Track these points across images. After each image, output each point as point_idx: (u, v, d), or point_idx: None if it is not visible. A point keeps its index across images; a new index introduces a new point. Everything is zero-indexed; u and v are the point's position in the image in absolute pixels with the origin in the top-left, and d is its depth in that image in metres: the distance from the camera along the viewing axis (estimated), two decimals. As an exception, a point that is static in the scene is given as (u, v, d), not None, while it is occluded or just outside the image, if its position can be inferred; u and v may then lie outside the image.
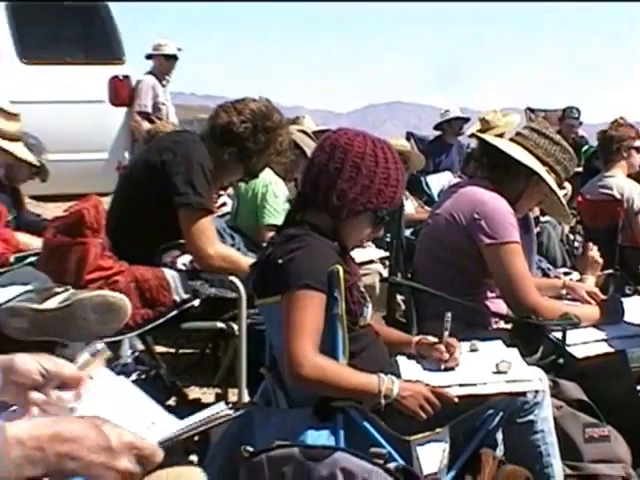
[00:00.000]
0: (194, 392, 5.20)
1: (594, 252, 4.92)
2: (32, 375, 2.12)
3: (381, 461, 2.53)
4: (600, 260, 4.89)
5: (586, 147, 9.80)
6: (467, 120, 10.95)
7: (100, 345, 2.36)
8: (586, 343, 3.98)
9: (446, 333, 3.43)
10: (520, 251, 4.02)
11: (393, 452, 2.99)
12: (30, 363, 2.13)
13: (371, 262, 5.37)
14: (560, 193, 4.27)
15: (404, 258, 4.64)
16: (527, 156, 4.17)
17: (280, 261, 3.14)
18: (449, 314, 3.42)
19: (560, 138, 4.35)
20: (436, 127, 11.14)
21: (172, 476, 2.00)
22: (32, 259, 4.60)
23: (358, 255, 3.55)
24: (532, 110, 11.68)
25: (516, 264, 4.00)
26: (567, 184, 6.87)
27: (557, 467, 3.44)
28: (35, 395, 2.11)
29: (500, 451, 3.44)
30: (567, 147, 4.33)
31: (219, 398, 4.85)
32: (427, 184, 7.88)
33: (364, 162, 3.24)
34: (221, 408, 2.21)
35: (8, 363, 2.14)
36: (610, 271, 5.55)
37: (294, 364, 3.02)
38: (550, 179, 4.18)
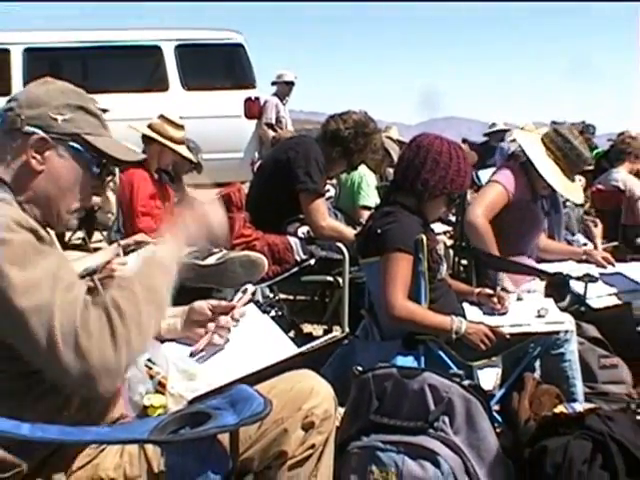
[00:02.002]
0: (307, 328, 5.18)
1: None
2: (204, 310, 2.23)
3: (458, 379, 2.48)
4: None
5: (596, 151, 9.55)
6: (507, 130, 10.78)
7: (249, 285, 2.43)
8: (600, 297, 3.97)
9: (499, 287, 3.41)
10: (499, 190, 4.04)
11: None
12: (202, 303, 2.29)
13: (438, 234, 5.31)
14: (547, 176, 4.08)
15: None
16: (536, 148, 4.08)
17: (379, 231, 3.16)
18: (501, 273, 3.40)
19: (574, 138, 4.15)
20: (485, 135, 11.09)
21: (294, 377, 1.99)
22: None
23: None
24: (555, 123, 11.40)
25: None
26: (582, 177, 6.76)
27: (579, 387, 3.40)
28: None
29: (538, 375, 3.38)
30: (577, 146, 4.13)
31: (326, 333, 4.84)
32: (478, 177, 7.73)
33: (441, 158, 3.22)
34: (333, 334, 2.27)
35: (188, 308, 2.26)
36: (615, 243, 5.45)
37: (389, 306, 3.05)
38: (546, 164, 4.08)
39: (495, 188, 4.03)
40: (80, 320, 1.59)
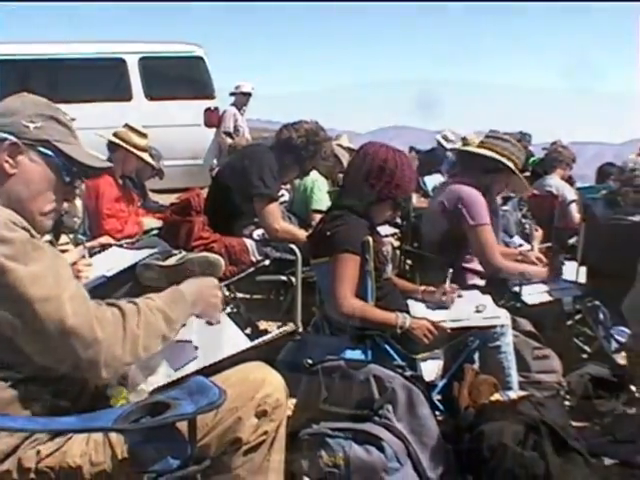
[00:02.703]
0: (263, 325, 5.16)
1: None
2: None
3: (400, 370, 2.52)
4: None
5: (532, 159, 9.70)
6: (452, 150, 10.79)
7: None
8: (534, 294, 3.99)
9: (447, 282, 3.43)
10: (490, 229, 3.97)
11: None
12: None
13: (386, 236, 5.33)
14: (518, 173, 4.13)
15: (411, 233, 4.62)
16: (490, 153, 4.11)
17: (328, 233, 3.17)
18: (450, 270, 3.43)
19: (509, 137, 4.23)
20: (438, 142, 11.05)
21: (247, 368, 2.01)
22: (155, 232, 4.65)
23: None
24: (493, 131, 11.49)
25: (488, 238, 3.95)
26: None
27: (514, 376, 3.44)
28: None
29: (477, 366, 3.41)
30: (515, 143, 4.21)
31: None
32: (424, 183, 7.77)
33: (387, 165, 3.24)
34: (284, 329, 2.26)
35: None
36: (549, 244, 5.53)
37: (338, 304, 3.06)
38: (509, 163, 4.08)
39: (488, 229, 3.96)
40: (96, 312, 1.70)
